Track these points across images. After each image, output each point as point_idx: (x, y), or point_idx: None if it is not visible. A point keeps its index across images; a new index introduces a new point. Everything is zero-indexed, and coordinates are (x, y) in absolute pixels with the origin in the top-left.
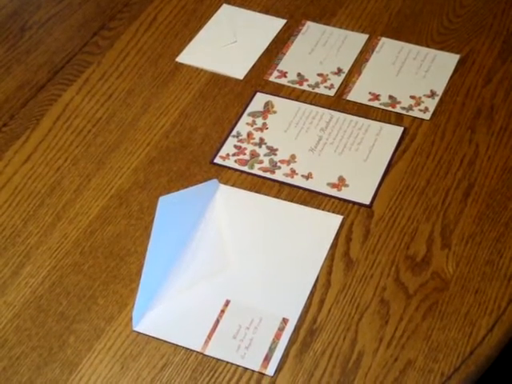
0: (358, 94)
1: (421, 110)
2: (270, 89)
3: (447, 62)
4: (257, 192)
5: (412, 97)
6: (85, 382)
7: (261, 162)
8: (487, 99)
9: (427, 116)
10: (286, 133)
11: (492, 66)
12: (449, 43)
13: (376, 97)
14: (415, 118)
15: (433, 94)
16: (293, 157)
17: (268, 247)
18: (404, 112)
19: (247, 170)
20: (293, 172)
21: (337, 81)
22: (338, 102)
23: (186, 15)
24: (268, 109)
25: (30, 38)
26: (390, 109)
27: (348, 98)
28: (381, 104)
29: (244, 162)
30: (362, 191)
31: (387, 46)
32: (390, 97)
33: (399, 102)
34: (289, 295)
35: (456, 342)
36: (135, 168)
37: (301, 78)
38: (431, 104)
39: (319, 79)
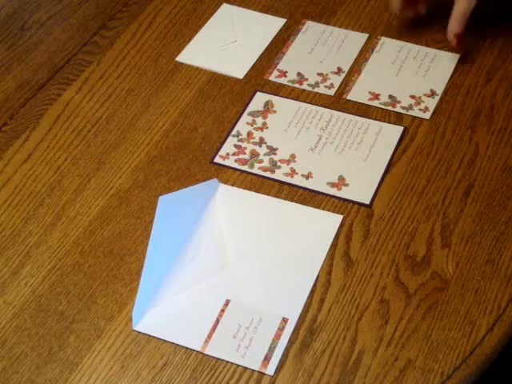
0: (358, 93)
1: (421, 110)
2: (270, 88)
3: (447, 61)
4: (257, 191)
5: (412, 96)
6: (85, 382)
7: (261, 161)
8: (487, 99)
9: (427, 115)
10: (285, 132)
11: (492, 66)
12: (449, 42)
13: (376, 96)
14: (415, 117)
15: (433, 94)
16: (293, 156)
17: (268, 247)
18: (404, 111)
19: (247, 170)
20: (293, 171)
21: (337, 80)
22: (338, 102)
23: (185, 15)
24: (268, 108)
25: (30, 38)
26: (389, 108)
27: (348, 97)
28: (381, 103)
29: (244, 162)
30: (361, 191)
31: (387, 46)
32: (390, 96)
33: (399, 102)
34: (289, 295)
35: (456, 342)
36: (135, 168)
37: (301, 78)
38: (431, 103)
39: (319, 78)
